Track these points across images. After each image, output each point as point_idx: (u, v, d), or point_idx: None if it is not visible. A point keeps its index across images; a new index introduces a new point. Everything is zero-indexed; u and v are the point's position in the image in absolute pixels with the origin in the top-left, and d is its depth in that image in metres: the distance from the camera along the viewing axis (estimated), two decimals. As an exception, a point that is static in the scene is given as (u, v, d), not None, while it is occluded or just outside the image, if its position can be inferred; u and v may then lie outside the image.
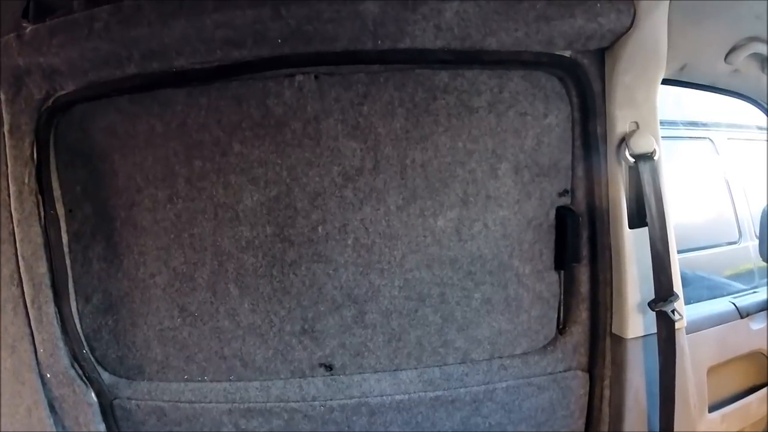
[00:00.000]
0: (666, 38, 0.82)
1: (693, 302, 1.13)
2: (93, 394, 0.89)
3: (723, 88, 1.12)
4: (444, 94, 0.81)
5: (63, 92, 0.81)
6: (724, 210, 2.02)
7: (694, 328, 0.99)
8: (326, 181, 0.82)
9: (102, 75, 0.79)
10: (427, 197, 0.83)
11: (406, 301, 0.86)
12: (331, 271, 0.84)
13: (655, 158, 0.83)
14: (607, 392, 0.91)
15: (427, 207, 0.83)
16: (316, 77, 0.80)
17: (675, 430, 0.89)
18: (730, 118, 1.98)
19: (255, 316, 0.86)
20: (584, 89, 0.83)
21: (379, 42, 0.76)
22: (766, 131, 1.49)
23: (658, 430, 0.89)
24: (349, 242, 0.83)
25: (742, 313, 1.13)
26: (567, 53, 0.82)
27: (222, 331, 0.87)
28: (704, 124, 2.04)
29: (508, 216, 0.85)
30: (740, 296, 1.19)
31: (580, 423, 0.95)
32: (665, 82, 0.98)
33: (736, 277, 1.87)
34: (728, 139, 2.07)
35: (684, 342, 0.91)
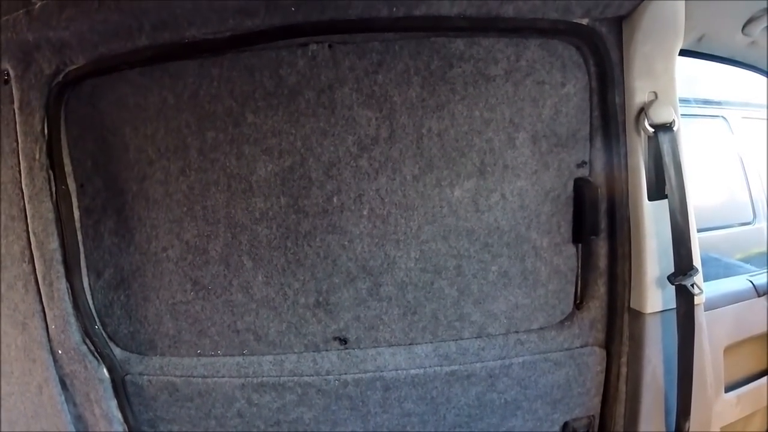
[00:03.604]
0: (684, 7, 0.80)
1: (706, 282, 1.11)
2: (104, 370, 0.89)
3: (741, 61, 1.10)
4: (460, 62, 0.79)
5: (73, 67, 0.80)
6: (738, 190, 1.98)
7: (710, 305, 0.97)
8: (341, 151, 0.80)
9: (112, 47, 0.79)
10: (443, 167, 0.82)
11: (422, 274, 0.84)
12: (345, 243, 0.83)
13: (674, 129, 0.82)
14: (624, 369, 0.90)
15: (444, 177, 0.82)
16: (329, 46, 0.79)
17: (692, 410, 0.87)
18: (745, 96, 1.94)
19: (268, 289, 0.85)
20: (602, 58, 0.82)
21: (394, 9, 0.75)
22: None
23: (674, 409, 0.88)
24: (365, 213, 0.82)
25: (760, 291, 1.12)
26: (584, 21, 0.80)
27: (235, 305, 0.86)
28: (718, 103, 2.00)
29: (526, 187, 0.83)
30: (757, 274, 1.17)
31: (596, 401, 0.94)
32: (684, 53, 0.96)
33: (747, 261, 1.83)
34: (743, 117, 2.04)
35: (702, 318, 0.89)
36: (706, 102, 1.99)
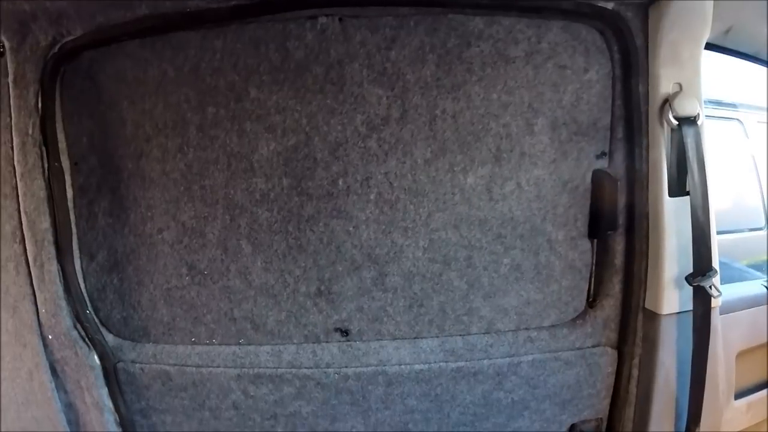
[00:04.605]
0: None
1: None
2: (96, 357, 0.86)
3: (766, 59, 1.07)
4: (478, 42, 0.75)
5: (70, 38, 0.77)
6: (751, 194, 1.95)
7: (724, 309, 0.94)
8: (349, 131, 0.77)
9: (111, 17, 0.75)
10: (457, 151, 0.78)
11: (430, 264, 0.81)
12: (351, 229, 0.79)
13: (699, 123, 0.78)
14: (635, 372, 0.87)
15: (457, 162, 0.78)
16: (340, 19, 0.75)
17: (702, 416, 0.85)
18: (760, 101, 1.91)
19: (268, 276, 0.81)
20: (626, 44, 0.78)
21: None
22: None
23: (684, 414, 0.85)
24: (372, 197, 0.78)
25: (775, 297, 1.08)
26: (609, 5, 0.76)
27: (232, 291, 0.82)
28: (733, 105, 1.97)
29: (543, 176, 0.80)
30: (771, 280, 1.14)
31: (606, 403, 0.90)
32: (710, 47, 0.93)
33: (755, 267, 1.80)
34: (758, 122, 2.00)
35: (718, 322, 0.86)
36: (719, 103, 1.95)
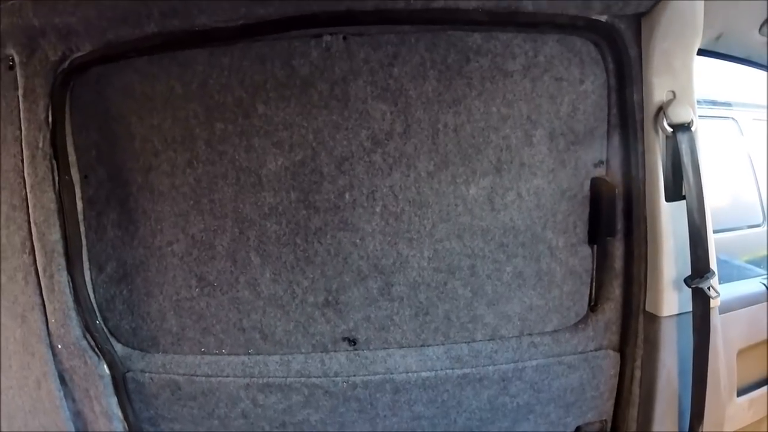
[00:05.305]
0: (703, 4, 0.79)
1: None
2: (105, 366, 0.87)
3: (757, 61, 1.09)
4: (477, 57, 0.78)
5: (79, 54, 0.78)
6: (748, 192, 1.97)
7: (724, 308, 0.96)
8: (354, 145, 0.78)
9: (120, 34, 0.77)
10: (459, 163, 0.80)
11: (435, 273, 0.82)
12: (357, 240, 0.81)
13: (693, 129, 0.81)
14: (638, 373, 0.88)
15: (459, 174, 0.80)
16: (344, 38, 0.77)
17: (705, 414, 0.86)
18: (756, 98, 1.93)
19: (276, 287, 0.83)
20: (620, 55, 0.80)
21: (412, 1, 0.73)
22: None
23: (687, 413, 0.86)
24: (377, 210, 0.80)
25: (774, 295, 1.10)
26: (603, 18, 0.79)
27: (241, 302, 0.84)
28: (727, 104, 1.99)
29: (542, 185, 0.82)
30: (768, 277, 1.15)
31: (609, 405, 0.92)
32: (701, 53, 0.95)
33: (754, 263, 1.81)
34: (753, 120, 2.03)
35: (717, 321, 0.88)
36: (714, 103, 1.98)
